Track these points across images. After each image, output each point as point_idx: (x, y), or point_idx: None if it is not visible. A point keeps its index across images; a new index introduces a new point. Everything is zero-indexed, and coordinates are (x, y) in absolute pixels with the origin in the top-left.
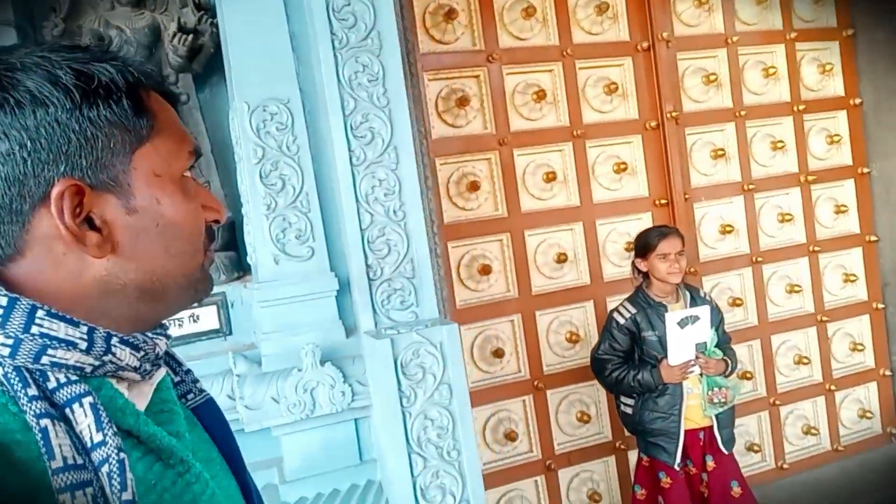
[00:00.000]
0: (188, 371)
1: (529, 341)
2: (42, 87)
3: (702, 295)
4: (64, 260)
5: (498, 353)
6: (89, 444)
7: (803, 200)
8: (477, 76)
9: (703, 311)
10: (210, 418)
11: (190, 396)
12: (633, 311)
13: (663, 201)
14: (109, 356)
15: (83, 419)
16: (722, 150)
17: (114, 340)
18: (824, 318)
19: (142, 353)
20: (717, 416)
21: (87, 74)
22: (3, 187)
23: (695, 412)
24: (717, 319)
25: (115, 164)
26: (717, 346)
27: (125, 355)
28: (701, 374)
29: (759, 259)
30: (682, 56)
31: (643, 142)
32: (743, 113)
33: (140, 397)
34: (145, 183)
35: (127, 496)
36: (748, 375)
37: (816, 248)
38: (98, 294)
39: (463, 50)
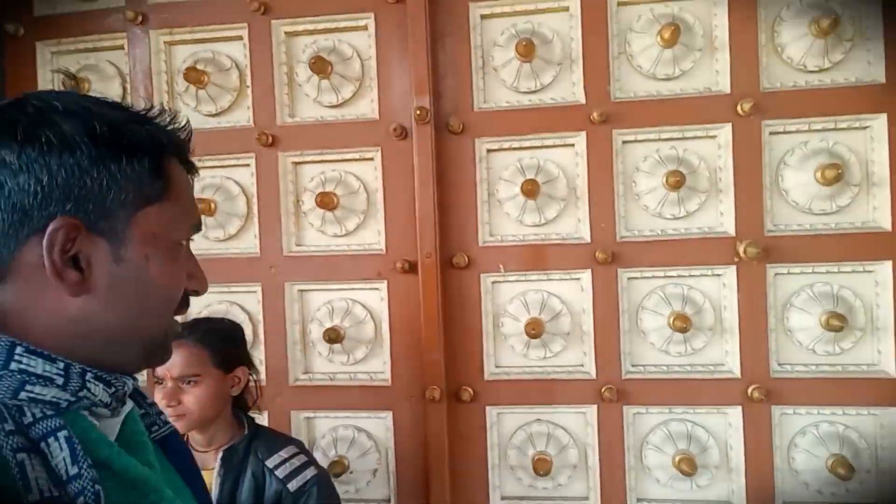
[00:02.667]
0: (152, 404)
1: None
2: (75, 132)
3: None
4: (43, 293)
5: None
6: (64, 477)
7: None
8: None
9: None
10: (174, 450)
11: (154, 429)
12: None
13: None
14: (84, 391)
15: (59, 453)
16: None
17: (88, 376)
18: None
19: (113, 389)
20: None
21: (119, 131)
22: (8, 213)
23: None
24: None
25: (119, 215)
26: None
27: (98, 391)
28: None
29: None
30: None
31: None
32: None
33: (109, 430)
34: (140, 239)
35: None
36: None
37: None
38: (72, 332)
39: None
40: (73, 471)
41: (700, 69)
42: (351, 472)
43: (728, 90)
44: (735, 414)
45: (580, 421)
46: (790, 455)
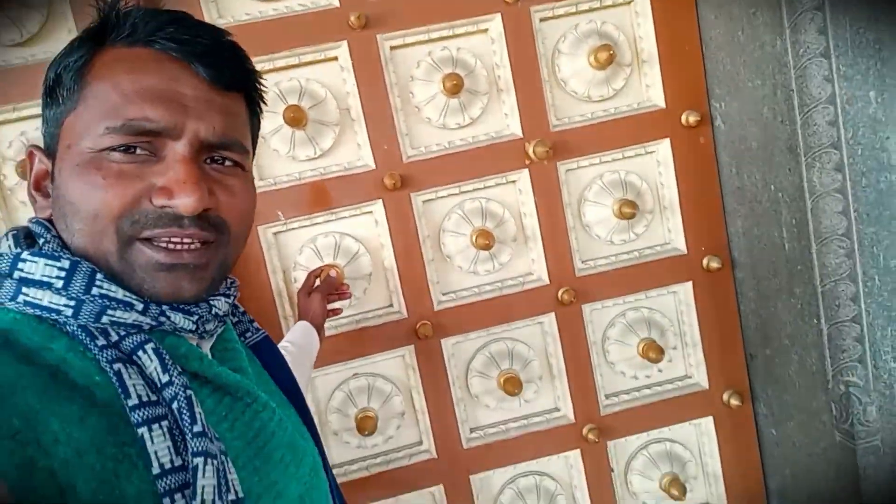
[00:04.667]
0: (244, 312)
1: None
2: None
3: None
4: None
5: None
6: (159, 384)
7: None
8: None
9: None
10: (267, 354)
11: (248, 335)
12: None
13: None
14: (164, 318)
15: (149, 363)
16: None
17: (165, 307)
18: None
19: (195, 316)
20: None
21: (54, 63)
22: None
23: None
24: None
25: (54, 131)
26: None
27: (178, 319)
28: None
29: None
30: None
31: None
32: None
33: (204, 342)
34: (60, 154)
35: (198, 428)
36: None
37: None
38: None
39: None
40: (165, 379)
41: None
42: None
43: None
44: (549, 320)
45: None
46: (605, 348)
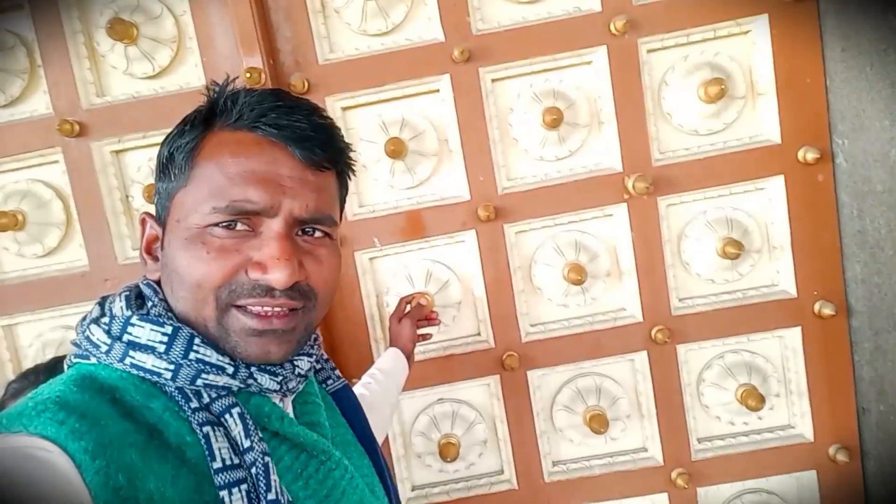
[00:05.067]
0: (327, 359)
1: None
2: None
3: None
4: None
5: None
6: (241, 448)
7: None
8: None
9: None
10: (346, 401)
11: (329, 382)
12: None
13: None
14: (251, 380)
15: (234, 427)
16: None
17: (253, 369)
18: None
19: (280, 377)
20: None
21: (165, 143)
22: None
23: None
24: None
25: (166, 204)
26: None
27: (265, 380)
28: None
29: None
30: None
31: None
32: None
33: (287, 398)
34: (169, 226)
35: (272, 496)
36: None
37: None
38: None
39: None
40: (247, 444)
41: None
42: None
43: (599, 7)
44: (641, 358)
45: (482, 393)
46: (699, 391)
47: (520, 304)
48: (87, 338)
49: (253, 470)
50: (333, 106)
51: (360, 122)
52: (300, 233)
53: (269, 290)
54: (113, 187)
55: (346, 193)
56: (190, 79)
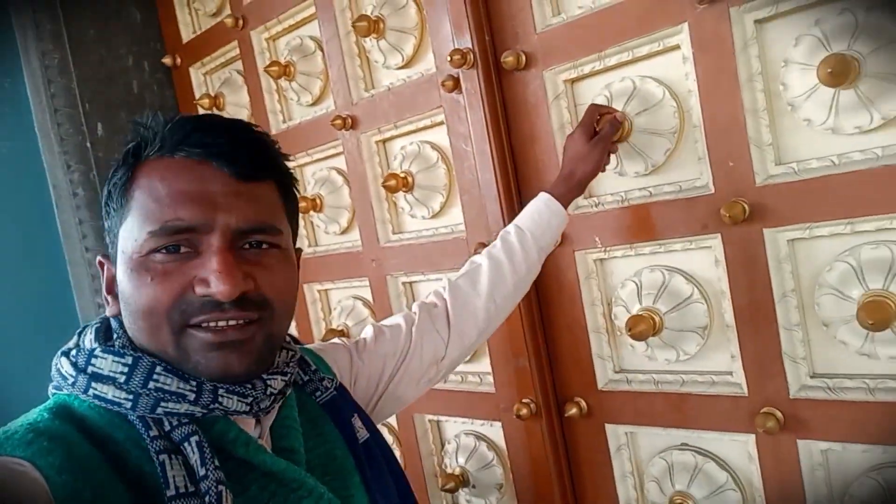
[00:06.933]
0: (315, 370)
1: None
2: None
3: None
4: None
5: None
6: (198, 476)
7: None
8: None
9: None
10: (338, 413)
11: (318, 394)
12: None
13: None
14: (215, 405)
15: (192, 455)
16: None
17: (220, 391)
18: None
19: (250, 398)
20: None
21: (108, 179)
22: None
23: None
24: None
25: (114, 240)
26: None
27: (233, 402)
28: None
29: None
30: None
31: None
32: None
33: (264, 419)
34: (119, 261)
35: None
36: None
37: None
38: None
39: None
40: (202, 472)
41: None
42: (473, 487)
43: None
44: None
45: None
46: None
47: (785, 340)
48: (59, 370)
49: (206, 498)
50: (556, 80)
51: (586, 97)
52: (247, 246)
53: (218, 305)
54: (377, 175)
55: (297, 204)
56: (430, 65)
